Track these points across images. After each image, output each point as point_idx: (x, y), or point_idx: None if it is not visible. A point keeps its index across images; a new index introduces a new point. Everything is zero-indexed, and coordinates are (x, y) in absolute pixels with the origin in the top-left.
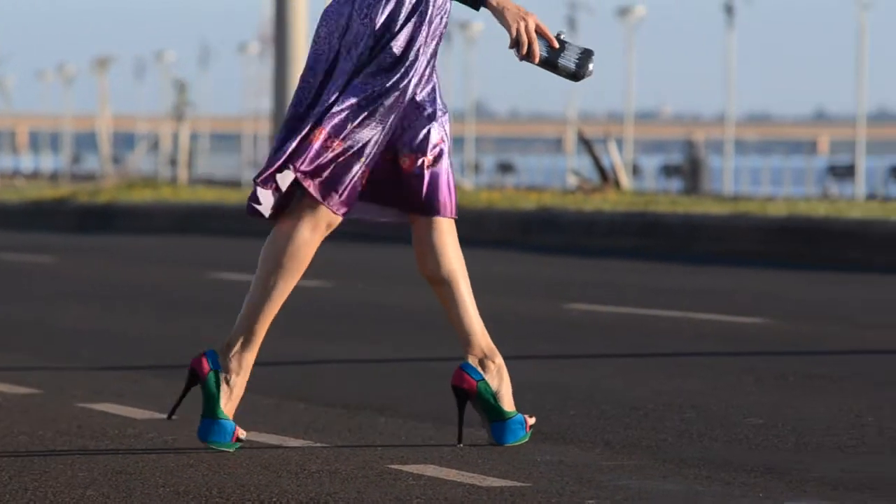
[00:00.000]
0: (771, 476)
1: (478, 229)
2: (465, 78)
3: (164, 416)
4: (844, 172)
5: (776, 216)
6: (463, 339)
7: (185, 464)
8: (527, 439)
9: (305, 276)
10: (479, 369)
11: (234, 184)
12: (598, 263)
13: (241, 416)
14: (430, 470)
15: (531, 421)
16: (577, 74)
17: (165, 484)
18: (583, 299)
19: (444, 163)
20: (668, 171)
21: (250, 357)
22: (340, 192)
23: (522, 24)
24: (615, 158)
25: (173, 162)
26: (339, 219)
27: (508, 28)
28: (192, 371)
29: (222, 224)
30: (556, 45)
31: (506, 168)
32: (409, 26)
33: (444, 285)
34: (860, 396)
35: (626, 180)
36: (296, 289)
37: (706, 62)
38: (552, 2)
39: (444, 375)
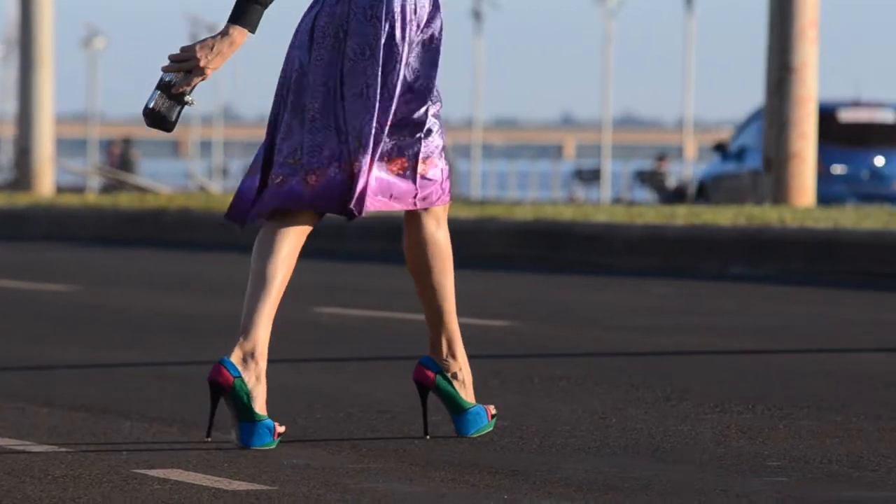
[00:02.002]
0: (516, 477)
1: (227, 234)
2: (213, 81)
3: None
4: (590, 177)
5: (523, 220)
6: (241, 326)
7: None
8: (273, 447)
9: (49, 279)
10: (239, 367)
11: None
12: (347, 267)
13: None
14: (176, 474)
15: (280, 430)
16: (146, 110)
17: None
18: (331, 302)
19: None
20: None
21: (460, 346)
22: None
23: (197, 61)
24: None
25: None
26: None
27: (195, 48)
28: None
29: None
30: (176, 93)
31: None
32: None
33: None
34: (604, 398)
35: None
36: (38, 293)
37: (454, 67)
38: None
39: (188, 378)
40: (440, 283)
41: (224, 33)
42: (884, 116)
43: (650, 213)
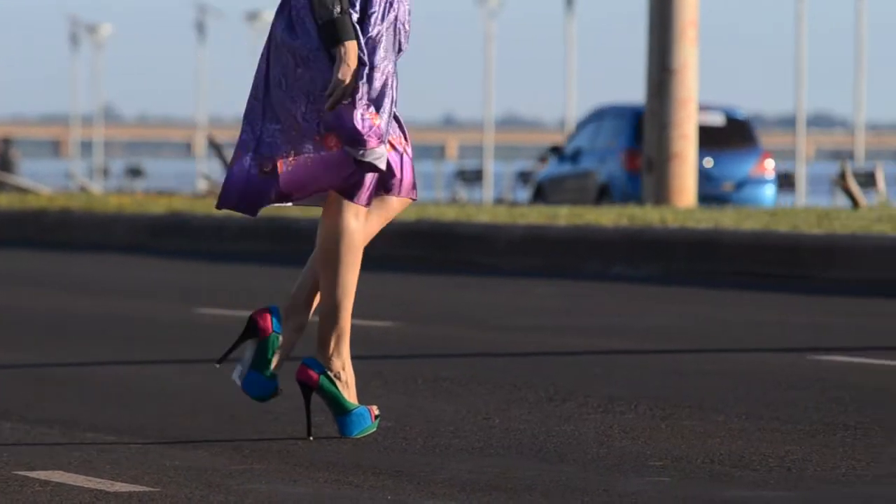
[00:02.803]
0: (400, 478)
1: (107, 234)
2: (93, 81)
3: None
4: (473, 177)
5: (405, 220)
6: (297, 287)
7: None
8: (261, 402)
9: None
10: (281, 323)
11: None
12: (229, 268)
13: None
14: (58, 475)
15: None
16: None
17: None
18: (212, 304)
19: None
20: None
21: (347, 346)
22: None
23: (349, 86)
24: None
25: None
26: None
27: (338, 80)
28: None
29: None
30: None
31: (135, 173)
32: None
33: None
34: (487, 398)
35: None
36: None
37: None
38: (180, 5)
39: (68, 380)
40: (344, 278)
41: (345, 52)
42: (713, 119)
43: (533, 213)
